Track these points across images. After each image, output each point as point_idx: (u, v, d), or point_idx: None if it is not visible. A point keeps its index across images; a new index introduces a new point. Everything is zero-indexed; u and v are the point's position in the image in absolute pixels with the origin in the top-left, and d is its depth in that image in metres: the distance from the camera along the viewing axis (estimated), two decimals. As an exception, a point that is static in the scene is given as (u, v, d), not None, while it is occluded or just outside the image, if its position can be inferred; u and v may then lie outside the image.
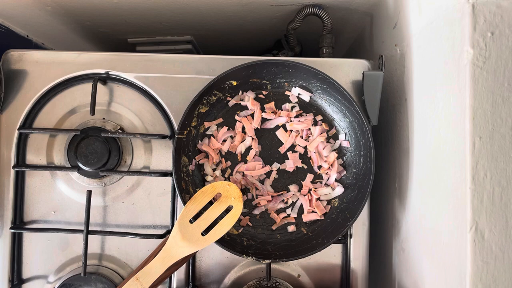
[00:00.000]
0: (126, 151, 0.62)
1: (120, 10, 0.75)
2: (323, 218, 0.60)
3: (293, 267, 0.62)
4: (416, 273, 0.56)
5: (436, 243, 0.49)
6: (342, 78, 0.61)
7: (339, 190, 0.60)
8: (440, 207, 0.48)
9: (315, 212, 0.60)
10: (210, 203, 0.57)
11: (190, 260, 0.61)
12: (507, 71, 0.40)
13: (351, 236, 0.61)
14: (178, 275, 0.61)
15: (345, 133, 0.60)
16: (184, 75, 0.62)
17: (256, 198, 0.60)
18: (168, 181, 0.62)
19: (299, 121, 0.60)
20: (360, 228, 0.61)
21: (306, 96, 0.61)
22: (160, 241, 0.58)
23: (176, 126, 0.61)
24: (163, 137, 0.61)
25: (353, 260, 0.61)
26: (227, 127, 0.61)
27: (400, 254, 0.62)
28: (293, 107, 0.61)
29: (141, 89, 0.62)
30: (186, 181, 0.59)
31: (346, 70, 0.61)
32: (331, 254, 0.61)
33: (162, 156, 0.62)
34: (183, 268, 0.61)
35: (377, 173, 0.56)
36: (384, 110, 0.62)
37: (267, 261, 0.56)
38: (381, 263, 0.68)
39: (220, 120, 0.61)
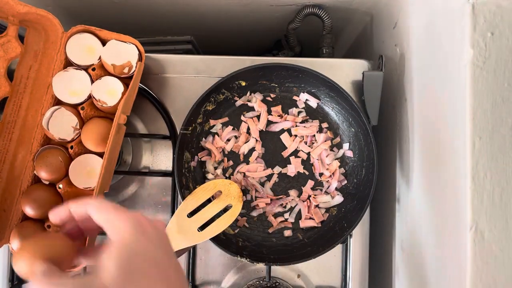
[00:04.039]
0: (126, 151, 0.62)
1: (120, 10, 0.75)
2: (320, 225, 0.60)
3: (293, 267, 0.62)
4: (416, 273, 0.56)
5: (436, 243, 0.49)
6: (342, 78, 0.61)
7: (338, 199, 0.60)
8: (440, 207, 0.48)
9: (313, 219, 0.60)
10: (209, 200, 0.57)
11: (190, 260, 0.61)
12: (507, 71, 0.40)
13: (351, 236, 0.61)
14: (178, 275, 0.61)
15: (349, 143, 0.60)
16: (184, 75, 0.62)
17: (255, 200, 0.60)
18: (168, 181, 0.62)
19: (304, 126, 0.60)
20: (360, 228, 0.61)
21: (313, 103, 0.61)
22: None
23: (176, 126, 0.61)
24: (164, 137, 0.61)
25: (353, 260, 0.61)
26: (232, 127, 0.61)
27: (400, 254, 0.62)
28: (299, 112, 0.61)
29: (141, 89, 0.62)
30: (187, 177, 0.59)
31: (346, 70, 0.61)
32: (331, 254, 0.61)
33: (162, 156, 0.62)
34: (183, 268, 0.61)
35: (378, 174, 0.56)
36: (384, 110, 0.62)
37: (261, 263, 0.56)
38: (381, 263, 0.68)
39: (226, 119, 0.61)
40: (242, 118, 0.61)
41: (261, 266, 0.61)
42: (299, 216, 0.60)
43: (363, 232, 0.61)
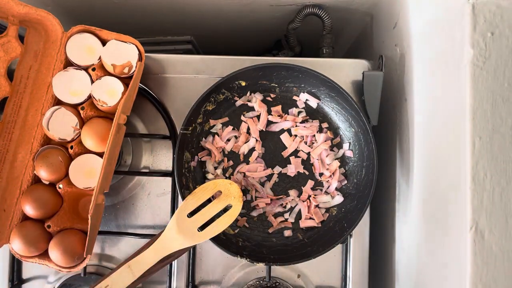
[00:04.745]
0: (126, 151, 0.62)
1: (120, 10, 0.75)
2: (320, 225, 0.60)
3: (293, 267, 0.62)
4: (416, 273, 0.56)
5: (436, 243, 0.49)
6: (342, 78, 0.61)
7: (338, 199, 0.60)
8: (440, 207, 0.48)
9: (313, 219, 0.60)
10: (209, 200, 0.57)
11: (190, 261, 0.61)
12: (507, 71, 0.40)
13: (351, 236, 0.61)
14: (178, 275, 0.61)
15: (350, 143, 0.60)
16: (184, 75, 0.62)
17: (255, 200, 0.60)
18: (168, 181, 0.62)
19: (304, 126, 0.60)
20: (360, 228, 0.61)
21: (313, 103, 0.61)
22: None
23: (176, 126, 0.61)
24: (164, 137, 0.61)
25: (353, 260, 0.61)
26: (232, 127, 0.61)
27: (400, 254, 0.62)
28: (299, 112, 0.61)
29: (141, 89, 0.62)
30: (187, 177, 0.59)
31: (346, 70, 0.61)
32: (331, 254, 0.61)
33: (162, 156, 0.62)
34: (183, 268, 0.61)
35: (378, 174, 0.56)
36: (384, 110, 0.62)
37: (261, 263, 0.56)
38: (381, 263, 0.68)
39: (226, 119, 0.61)
40: (242, 118, 0.61)
41: (261, 266, 0.61)
42: (299, 216, 0.60)
43: (363, 232, 0.61)
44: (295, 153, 0.61)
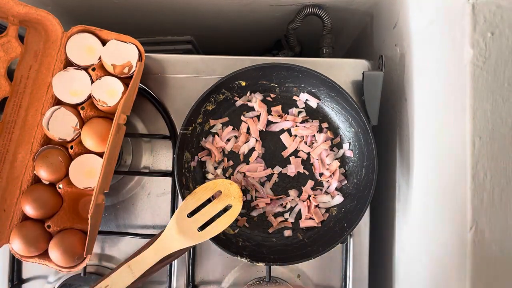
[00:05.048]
0: (126, 151, 0.62)
1: (120, 10, 0.75)
2: (320, 225, 0.60)
3: (293, 267, 0.62)
4: (416, 273, 0.56)
5: (436, 243, 0.49)
6: (342, 78, 0.61)
7: (338, 199, 0.60)
8: (440, 207, 0.48)
9: (313, 219, 0.60)
10: (209, 200, 0.57)
11: (190, 261, 0.61)
12: (507, 71, 0.40)
13: (351, 236, 0.61)
14: (178, 275, 0.61)
15: (350, 143, 0.60)
16: (184, 75, 0.62)
17: (255, 199, 0.60)
18: (168, 181, 0.62)
19: (304, 126, 0.60)
20: (360, 228, 0.61)
21: (313, 103, 0.61)
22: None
23: (176, 126, 0.61)
24: (164, 137, 0.61)
25: (353, 260, 0.61)
26: (232, 127, 0.61)
27: (400, 254, 0.62)
28: (299, 112, 0.61)
29: (141, 89, 0.62)
30: (187, 177, 0.59)
31: (346, 70, 0.61)
32: (331, 254, 0.61)
33: (162, 156, 0.62)
34: (183, 268, 0.61)
35: (378, 174, 0.56)
36: (384, 110, 0.62)
37: (261, 263, 0.56)
38: (381, 263, 0.68)
39: (226, 119, 0.61)
40: (242, 118, 0.61)
41: (261, 266, 0.61)
42: (299, 216, 0.60)
43: (363, 232, 0.61)
44: (295, 153, 0.61)
